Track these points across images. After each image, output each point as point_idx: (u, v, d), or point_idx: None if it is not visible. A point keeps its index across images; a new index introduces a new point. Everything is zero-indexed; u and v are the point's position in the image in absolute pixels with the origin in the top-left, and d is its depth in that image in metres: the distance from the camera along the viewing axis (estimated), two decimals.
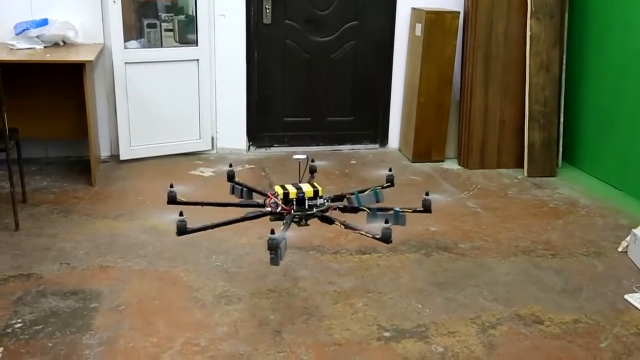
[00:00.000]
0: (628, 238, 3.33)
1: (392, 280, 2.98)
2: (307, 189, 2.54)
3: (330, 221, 2.53)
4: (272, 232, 2.26)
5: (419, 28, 4.69)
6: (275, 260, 2.27)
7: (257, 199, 2.73)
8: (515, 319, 2.68)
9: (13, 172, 3.37)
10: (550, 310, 2.76)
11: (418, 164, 4.80)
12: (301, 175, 2.69)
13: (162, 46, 4.65)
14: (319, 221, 2.58)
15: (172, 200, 2.63)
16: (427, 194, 2.65)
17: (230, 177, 2.83)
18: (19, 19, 4.22)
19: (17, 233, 3.34)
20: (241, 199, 2.76)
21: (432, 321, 2.64)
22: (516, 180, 4.54)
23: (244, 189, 2.77)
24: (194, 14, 4.60)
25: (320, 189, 2.56)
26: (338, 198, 2.71)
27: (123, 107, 4.47)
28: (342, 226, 2.47)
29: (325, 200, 2.59)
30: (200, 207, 2.65)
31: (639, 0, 4.11)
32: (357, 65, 4.98)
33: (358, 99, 5.06)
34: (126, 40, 4.43)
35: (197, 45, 4.64)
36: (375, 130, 5.14)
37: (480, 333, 2.57)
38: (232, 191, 2.81)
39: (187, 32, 4.71)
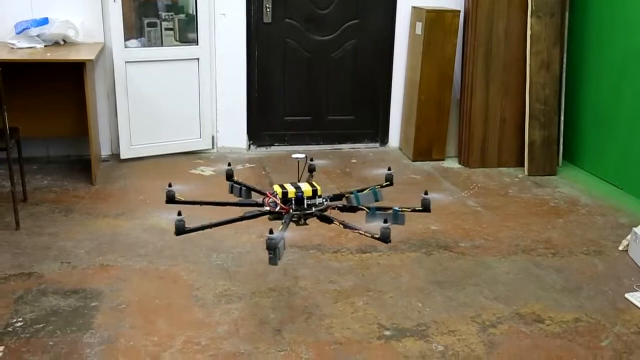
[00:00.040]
0: (628, 237, 3.33)
1: (392, 279, 2.98)
2: (305, 188, 2.54)
3: (329, 220, 2.53)
4: (271, 231, 2.26)
5: (419, 26, 4.68)
6: (273, 259, 2.27)
7: (256, 198, 2.72)
8: (515, 318, 2.68)
9: (14, 171, 3.37)
10: (551, 309, 2.76)
11: (418, 162, 4.80)
12: (300, 174, 2.69)
13: (162, 45, 4.65)
14: (318, 220, 2.58)
15: (171, 199, 2.63)
16: (426, 193, 2.65)
17: (229, 176, 2.83)
18: (19, 18, 4.22)
19: (17, 232, 3.34)
20: (240, 198, 2.75)
21: (433, 320, 2.64)
22: (517, 179, 4.54)
23: (243, 188, 2.77)
24: (195, 13, 4.60)
25: (319, 188, 2.56)
26: (337, 197, 2.71)
27: (123, 106, 4.47)
28: (341, 225, 2.46)
29: (324, 200, 2.59)
30: (199, 206, 2.65)
31: None
32: (358, 64, 4.98)
33: (358, 98, 5.05)
34: (126, 39, 4.43)
35: (197, 44, 4.64)
36: (375, 129, 5.14)
37: (480, 332, 2.57)
38: (231, 190, 2.81)
39: (187, 31, 4.71)
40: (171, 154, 4.70)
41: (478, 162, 4.76)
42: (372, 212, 2.54)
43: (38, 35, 4.17)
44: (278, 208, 2.51)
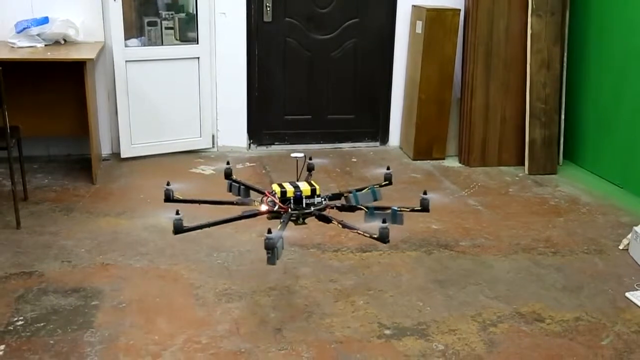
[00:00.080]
0: (629, 236, 3.33)
1: (393, 278, 2.98)
2: (304, 187, 2.54)
3: (327, 220, 2.52)
4: (269, 231, 2.26)
5: (419, 25, 4.68)
6: (272, 259, 2.26)
7: (255, 196, 2.72)
8: (516, 317, 2.68)
9: (14, 170, 3.38)
10: (551, 308, 2.76)
11: (419, 161, 4.80)
12: (299, 173, 2.69)
13: (162, 44, 4.65)
14: (316, 220, 2.57)
15: (169, 197, 2.63)
16: (425, 193, 2.64)
17: (228, 174, 2.83)
18: (19, 17, 4.22)
19: (18, 231, 3.34)
20: (239, 197, 2.75)
21: (433, 319, 2.64)
22: (517, 178, 4.54)
23: (242, 186, 2.76)
24: (195, 12, 4.60)
25: (317, 187, 2.56)
26: (336, 196, 2.70)
27: (124, 105, 4.47)
28: (340, 225, 2.46)
29: (322, 199, 2.58)
30: (199, 205, 2.65)
31: None
32: (358, 62, 4.98)
33: (359, 97, 5.05)
34: (127, 38, 4.43)
35: (197, 43, 4.64)
36: (376, 128, 5.14)
37: (481, 331, 2.57)
38: (230, 189, 2.80)
39: (187, 30, 4.71)
40: (172, 153, 4.70)
41: (478, 161, 4.76)
42: (371, 211, 2.54)
43: (38, 35, 4.17)
44: (276, 207, 2.50)
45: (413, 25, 4.82)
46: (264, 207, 2.53)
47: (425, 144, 4.83)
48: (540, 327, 2.62)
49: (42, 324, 2.50)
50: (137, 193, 3.94)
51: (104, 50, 4.42)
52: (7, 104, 3.26)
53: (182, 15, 4.73)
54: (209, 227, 2.53)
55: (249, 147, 4.96)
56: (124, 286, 2.82)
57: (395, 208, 2.53)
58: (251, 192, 2.76)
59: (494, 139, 4.76)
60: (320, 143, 5.06)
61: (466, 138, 4.77)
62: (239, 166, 4.53)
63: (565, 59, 4.73)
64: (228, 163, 2.88)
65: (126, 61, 4.42)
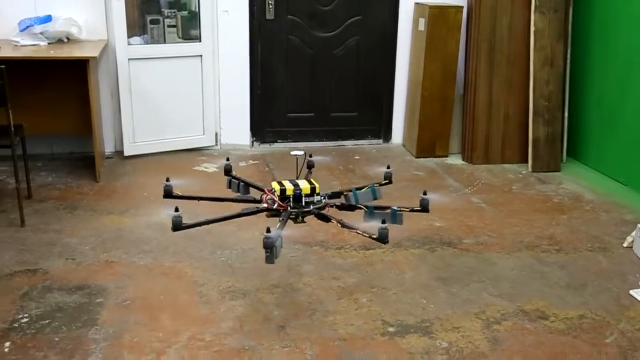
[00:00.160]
0: (633, 233, 3.33)
1: (396, 275, 2.99)
2: (304, 185, 2.53)
3: (326, 219, 2.51)
4: (268, 230, 2.25)
5: (422, 23, 4.67)
6: (270, 258, 2.26)
7: (255, 193, 2.70)
8: (519, 315, 2.68)
9: (18, 168, 3.38)
10: (555, 306, 2.76)
11: (422, 159, 4.80)
12: (298, 171, 2.68)
13: (165, 42, 4.65)
14: (316, 218, 2.57)
15: (168, 194, 2.62)
16: (424, 193, 2.62)
17: (227, 171, 2.82)
18: (22, 15, 4.22)
19: (22, 229, 3.35)
20: (238, 194, 2.74)
21: (437, 316, 2.64)
22: (520, 175, 4.53)
23: (241, 183, 2.75)
24: (197, 10, 4.60)
25: (317, 185, 2.55)
26: (335, 195, 2.69)
27: (127, 103, 4.48)
28: (339, 224, 2.44)
29: (322, 197, 2.56)
30: (197, 202, 2.64)
31: None
32: (361, 60, 4.97)
33: (361, 95, 5.05)
34: (129, 36, 4.43)
35: (200, 41, 4.64)
36: (378, 125, 5.14)
37: (484, 328, 2.57)
38: (229, 185, 2.79)
39: (190, 28, 4.71)
40: (175, 150, 4.70)
41: (482, 159, 4.75)
42: (370, 211, 2.52)
43: (41, 33, 4.17)
44: (276, 205, 2.50)
45: (416, 22, 4.81)
46: (263, 205, 2.52)
47: (428, 142, 4.82)
48: (544, 324, 2.62)
49: (46, 321, 2.51)
50: (140, 191, 3.95)
51: (106, 48, 4.43)
52: (11, 102, 3.26)
53: (185, 13, 4.73)
54: (208, 224, 2.52)
55: (252, 144, 4.96)
56: (128, 283, 2.83)
57: (395, 208, 2.51)
58: (251, 189, 2.75)
59: (497, 136, 4.75)
60: (323, 141, 5.06)
61: (469, 135, 4.77)
62: (242, 164, 4.53)
63: (568, 55, 4.72)
64: (228, 159, 2.88)
65: (129, 59, 4.42)
